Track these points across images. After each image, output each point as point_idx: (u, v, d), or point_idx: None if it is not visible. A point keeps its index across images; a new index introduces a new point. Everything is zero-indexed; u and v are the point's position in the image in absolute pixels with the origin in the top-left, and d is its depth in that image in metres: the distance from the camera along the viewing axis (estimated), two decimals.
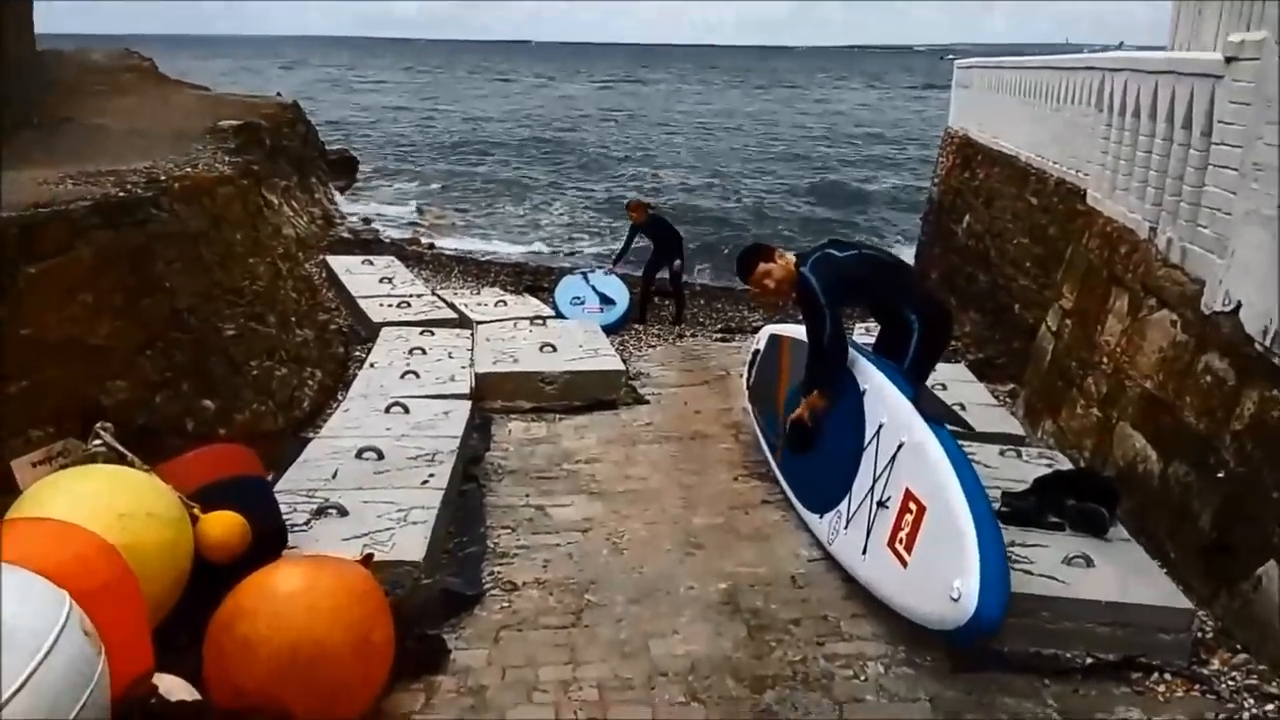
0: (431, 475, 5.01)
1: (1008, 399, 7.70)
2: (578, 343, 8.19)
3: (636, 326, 11.32)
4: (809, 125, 44.66)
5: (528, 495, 5.46)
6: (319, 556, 3.62)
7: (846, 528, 4.36)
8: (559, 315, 10.46)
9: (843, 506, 4.46)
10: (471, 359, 7.65)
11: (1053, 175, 9.08)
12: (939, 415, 4.05)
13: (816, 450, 4.93)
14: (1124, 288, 5.93)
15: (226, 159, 9.85)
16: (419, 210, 21.82)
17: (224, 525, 3.36)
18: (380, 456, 5.21)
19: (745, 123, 45.35)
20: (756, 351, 6.49)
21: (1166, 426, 5.01)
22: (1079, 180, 8.21)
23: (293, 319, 7.77)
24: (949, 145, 14.65)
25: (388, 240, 17.05)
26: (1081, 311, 6.52)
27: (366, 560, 3.74)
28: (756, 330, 10.95)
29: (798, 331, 5.86)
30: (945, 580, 3.37)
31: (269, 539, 3.66)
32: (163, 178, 7.12)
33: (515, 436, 6.58)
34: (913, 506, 3.76)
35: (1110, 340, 5.94)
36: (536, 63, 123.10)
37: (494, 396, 7.26)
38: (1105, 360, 5.93)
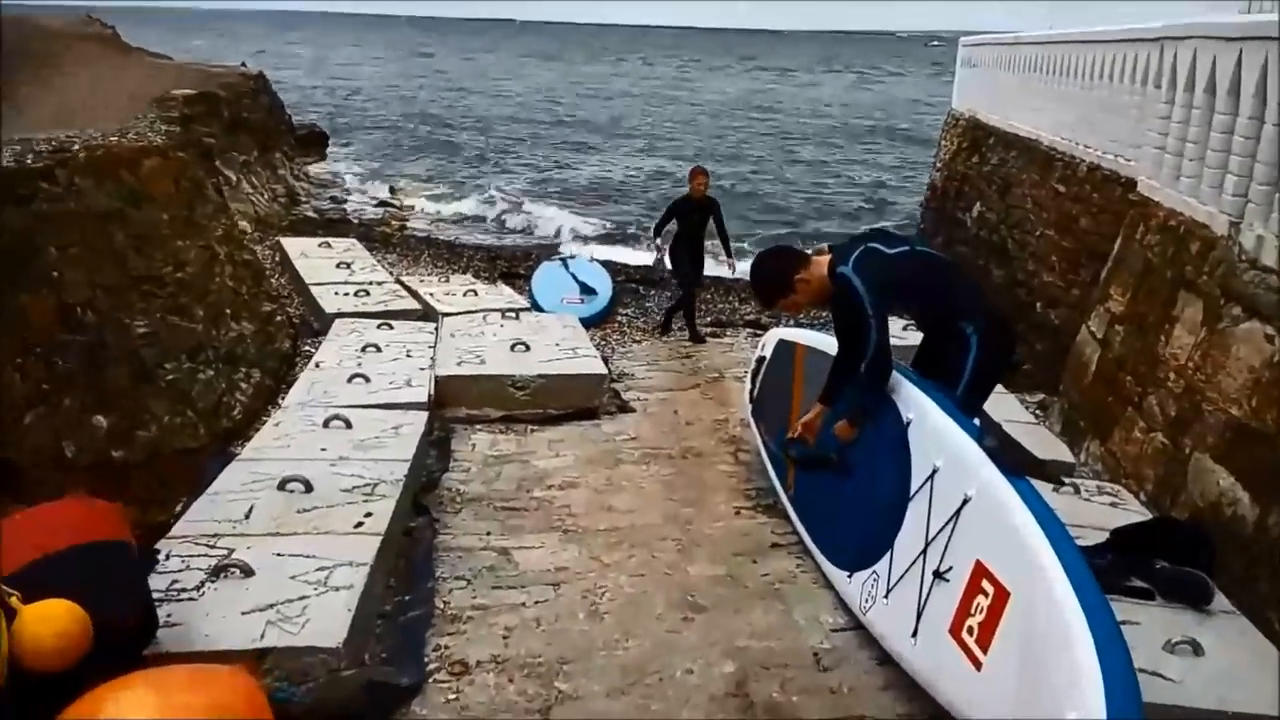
0: (369, 515, 4.06)
1: (1038, 411, 6.82)
2: (554, 340, 7.25)
3: (620, 318, 10.38)
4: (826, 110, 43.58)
5: (489, 533, 4.52)
6: (185, 668, 2.66)
7: (887, 596, 3.45)
8: (536, 307, 9.53)
9: (881, 568, 3.55)
10: (433, 359, 6.69)
11: (1084, 161, 8.19)
12: (1016, 462, 3.13)
13: (844, 492, 4.02)
14: (1196, 292, 5.04)
15: (164, 129, 8.88)
16: (391, 190, 20.71)
17: (53, 621, 2.41)
18: (308, 489, 4.25)
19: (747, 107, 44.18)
20: (761, 359, 5.56)
21: (1264, 464, 4.13)
22: (1121, 167, 7.33)
23: (227, 311, 6.80)
24: (953, 128, 13.76)
25: (355, 220, 16.01)
26: (1137, 317, 5.64)
27: (258, 661, 2.80)
28: (750, 326, 10.10)
29: (814, 339, 4.96)
30: (1047, 702, 2.47)
31: (125, 636, 2.71)
32: (75, 148, 6.15)
33: (479, 453, 5.63)
34: (988, 588, 2.85)
35: (1179, 353, 5.06)
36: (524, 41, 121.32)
37: (457, 403, 6.31)
38: (1173, 377, 5.04)
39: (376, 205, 18.45)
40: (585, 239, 17.56)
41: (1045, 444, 5.72)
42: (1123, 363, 5.68)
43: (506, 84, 49.82)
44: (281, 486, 4.26)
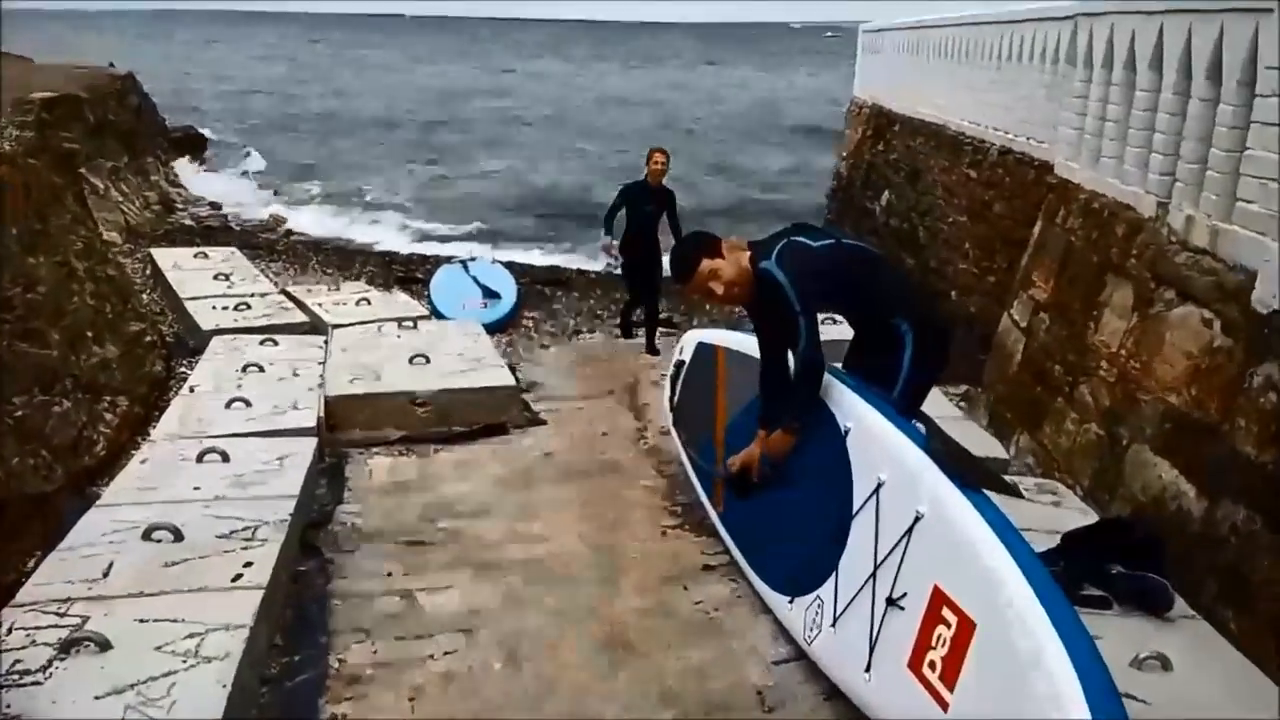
0: (248, 565, 3.56)
1: (962, 404, 6.64)
2: (456, 350, 6.77)
3: (526, 322, 9.94)
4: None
5: (391, 574, 4.06)
6: None
7: (834, 625, 3.13)
8: (436, 314, 9.02)
9: (825, 593, 3.22)
10: (322, 377, 6.16)
11: (995, 145, 8.07)
12: (969, 472, 2.83)
13: (778, 509, 3.68)
14: (1125, 277, 4.88)
15: (15, 135, 8.08)
16: (276, 192, 19.77)
17: None
18: (178, 537, 3.73)
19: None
20: (680, 364, 5.20)
21: (1208, 455, 3.94)
22: (1034, 149, 7.21)
23: (88, 333, 6.13)
24: (857, 116, 13.69)
25: (236, 228, 15.15)
26: (1063, 304, 5.46)
27: None
28: (666, 325, 9.76)
29: (735, 340, 4.62)
30: None
31: None
32: None
33: (377, 481, 5.15)
34: (950, 617, 2.54)
35: (1109, 341, 4.88)
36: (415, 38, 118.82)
37: (350, 426, 5.79)
38: (1104, 365, 4.86)
39: (261, 211, 17.53)
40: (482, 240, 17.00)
41: (975, 439, 5.46)
42: (1050, 351, 5.50)
43: (401, 81, 48.58)
44: (147, 536, 3.72)
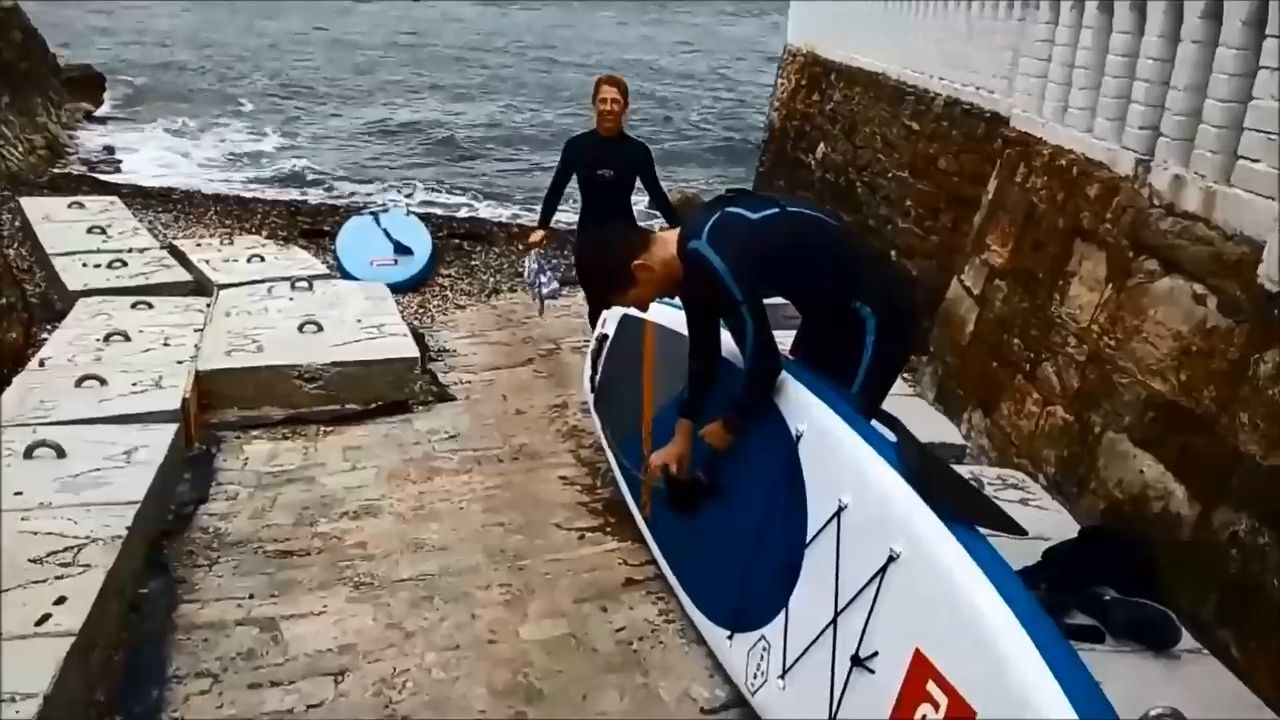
0: (61, 602, 2.87)
1: (906, 376, 6.13)
2: (354, 316, 6.05)
3: (441, 280, 9.18)
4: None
5: (252, 596, 3.40)
6: None
7: (784, 677, 2.57)
8: (342, 272, 8.22)
9: (773, 635, 2.66)
10: (196, 347, 5.40)
11: (940, 95, 7.51)
12: (962, 501, 2.27)
13: (714, 522, 3.10)
14: (1097, 243, 4.37)
15: None
16: (176, 133, 18.47)
17: None
18: None
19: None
20: (603, 338, 4.58)
21: (1202, 451, 3.47)
22: (984, 100, 6.66)
23: None
24: (789, 65, 13.01)
25: (133, 172, 14.02)
26: (1023, 271, 4.95)
27: None
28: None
29: (667, 316, 3.99)
30: None
31: None
32: None
33: (252, 471, 4.46)
34: (938, 696, 2.00)
35: (1078, 314, 4.38)
36: None
37: (226, 404, 5.08)
38: (1073, 342, 4.37)
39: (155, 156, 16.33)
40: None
41: (927, 420, 5.00)
42: (1007, 324, 5.00)
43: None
44: None
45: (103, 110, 19.19)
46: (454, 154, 19.34)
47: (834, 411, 2.64)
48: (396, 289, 7.47)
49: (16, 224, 8.77)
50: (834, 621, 2.37)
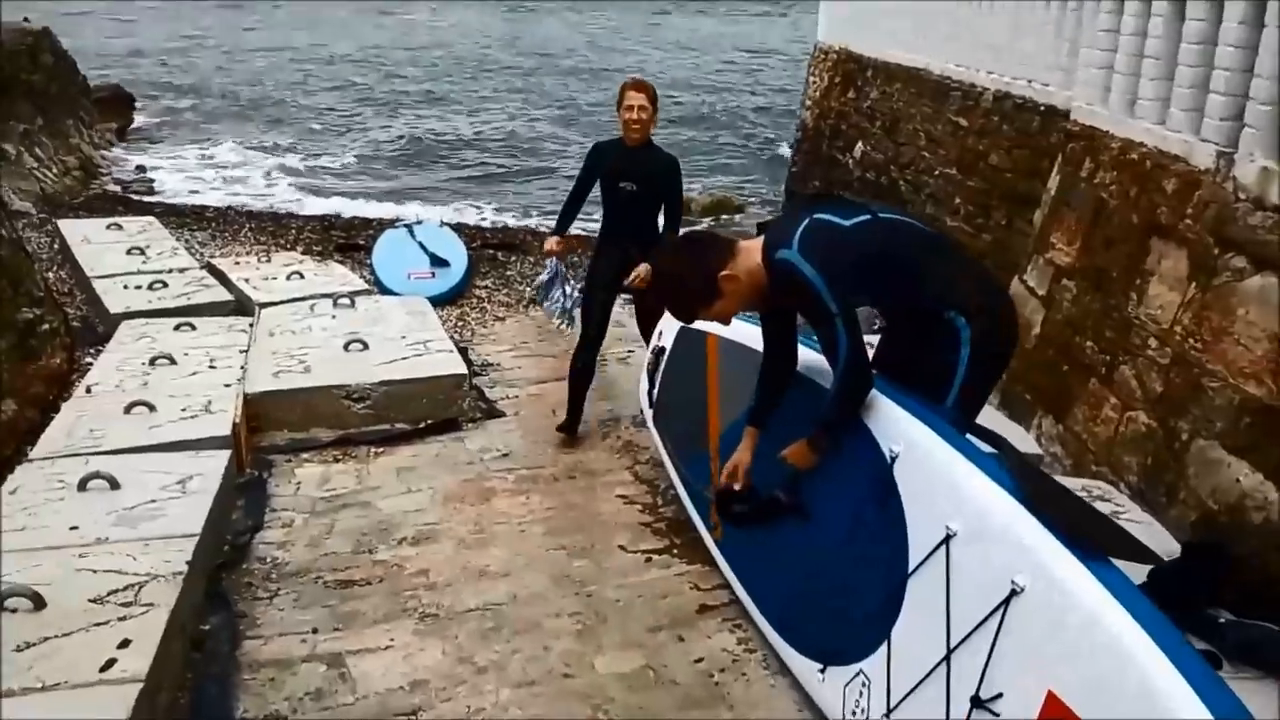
0: (125, 645, 2.77)
1: None
2: (398, 332, 5.95)
3: (478, 292, 9.07)
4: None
5: (316, 630, 3.29)
6: None
7: (887, 716, 2.41)
8: (380, 287, 8.13)
9: (873, 670, 2.51)
10: (243, 369, 5.31)
11: (989, 89, 7.34)
12: (1089, 529, 2.10)
13: (799, 543, 2.95)
14: (1177, 240, 4.18)
15: None
16: (206, 153, 18.56)
17: None
18: (38, 605, 2.92)
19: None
20: (660, 351, 4.44)
21: None
22: (1038, 93, 6.48)
23: None
24: (821, 63, 12.84)
25: (165, 192, 14.07)
26: (1094, 271, 4.77)
27: None
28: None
29: (730, 328, 3.85)
30: None
31: None
32: None
33: (305, 495, 4.36)
34: None
35: (1159, 315, 4.20)
36: None
37: (275, 427, 4.99)
38: (1154, 344, 4.18)
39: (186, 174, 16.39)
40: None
41: (995, 427, 4.79)
42: (1078, 325, 4.81)
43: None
44: None
45: (133, 129, 19.29)
46: (474, 163, 19.29)
47: (934, 431, 2.48)
48: (434, 302, 7.35)
49: (55, 247, 8.75)
50: (947, 658, 2.21)
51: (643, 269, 4.59)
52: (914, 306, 2.78)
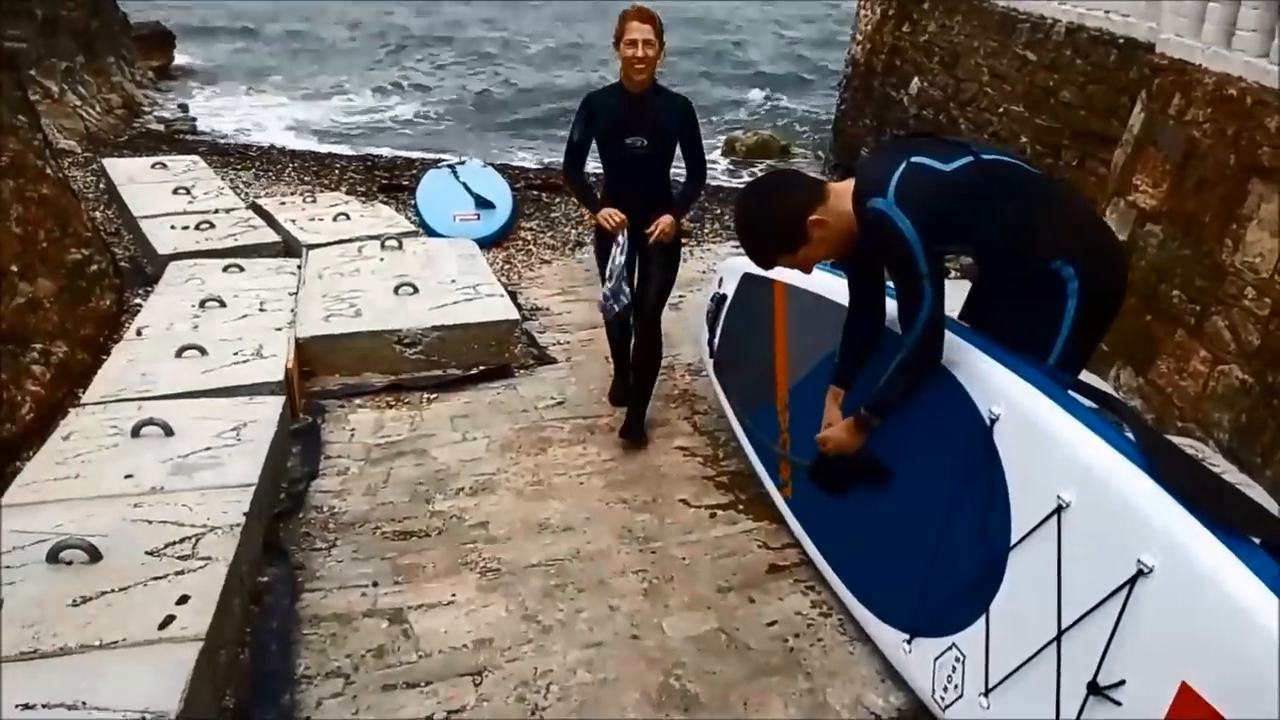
0: (184, 601, 2.69)
1: None
2: (449, 276, 5.81)
3: (523, 234, 8.90)
4: None
5: (376, 584, 3.20)
6: None
7: (988, 695, 2.27)
8: (425, 228, 7.98)
9: (968, 645, 2.36)
10: (293, 312, 5.22)
11: (1060, 21, 6.96)
12: (1225, 504, 1.93)
13: (879, 509, 2.80)
14: (1278, 182, 3.91)
15: None
16: (249, 90, 18.41)
17: None
18: (94, 557, 2.85)
19: None
20: (719, 298, 4.26)
21: None
22: (1116, 25, 6.12)
23: (13, 268, 5.16)
24: None
25: (208, 131, 13.96)
26: (1183, 215, 4.50)
27: None
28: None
29: (798, 274, 3.64)
30: None
31: None
32: None
33: (359, 443, 4.27)
34: None
35: (1257, 263, 3.95)
36: None
37: (327, 372, 4.90)
38: (1251, 293, 3.94)
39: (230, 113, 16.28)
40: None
41: None
42: (1164, 272, 4.57)
43: None
44: (53, 558, 2.84)
45: (175, 67, 19.17)
46: (510, 110, 18.97)
47: (1040, 391, 2.30)
48: (480, 244, 7.20)
49: (101, 186, 8.69)
50: (1058, 639, 2.06)
51: (664, 220, 4.01)
52: (1014, 253, 2.57)
